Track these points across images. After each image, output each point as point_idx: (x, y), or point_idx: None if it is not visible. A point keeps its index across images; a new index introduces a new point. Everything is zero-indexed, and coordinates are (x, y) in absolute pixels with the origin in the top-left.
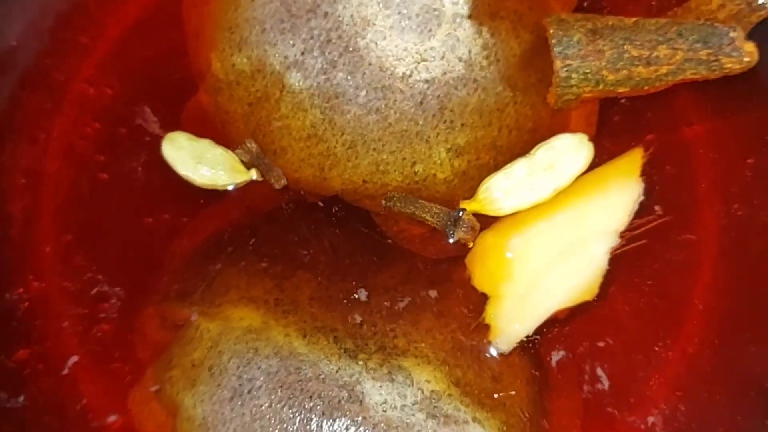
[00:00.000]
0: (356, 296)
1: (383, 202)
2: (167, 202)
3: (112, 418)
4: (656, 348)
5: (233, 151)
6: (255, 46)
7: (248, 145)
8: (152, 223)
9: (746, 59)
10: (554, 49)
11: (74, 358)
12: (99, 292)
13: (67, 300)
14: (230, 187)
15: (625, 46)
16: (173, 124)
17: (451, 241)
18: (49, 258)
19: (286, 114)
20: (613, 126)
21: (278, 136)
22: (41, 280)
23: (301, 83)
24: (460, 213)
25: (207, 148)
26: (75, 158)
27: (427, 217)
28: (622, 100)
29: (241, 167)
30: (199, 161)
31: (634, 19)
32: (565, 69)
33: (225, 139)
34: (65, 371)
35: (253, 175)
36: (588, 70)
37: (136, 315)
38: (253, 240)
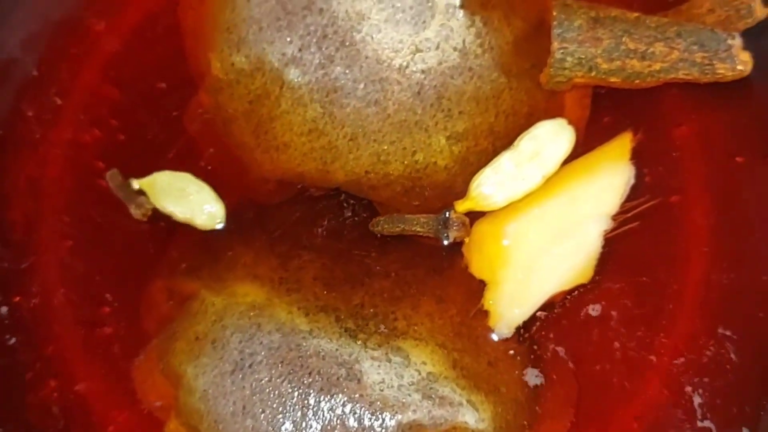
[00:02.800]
0: (359, 279)
1: (371, 227)
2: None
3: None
4: (651, 331)
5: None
6: (253, 44)
7: (111, 173)
8: (150, 230)
9: (740, 68)
10: (554, 30)
11: (76, 364)
12: (99, 297)
13: (67, 305)
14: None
15: (623, 38)
16: (173, 128)
17: (446, 243)
18: (50, 263)
19: (286, 110)
20: (601, 118)
21: (280, 132)
22: (42, 286)
23: (300, 79)
24: (447, 214)
25: (187, 181)
26: (75, 165)
27: (417, 229)
28: (604, 93)
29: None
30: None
31: (636, 14)
32: (561, 51)
33: (227, 138)
34: (67, 377)
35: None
36: (583, 56)
37: (136, 321)
38: (261, 220)
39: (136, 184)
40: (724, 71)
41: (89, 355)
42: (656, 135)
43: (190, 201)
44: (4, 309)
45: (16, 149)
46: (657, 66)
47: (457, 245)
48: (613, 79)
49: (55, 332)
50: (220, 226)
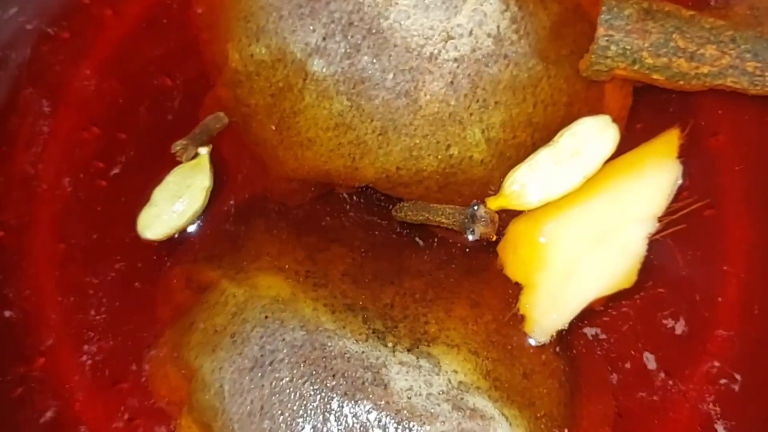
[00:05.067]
0: (389, 277)
1: (393, 213)
2: None
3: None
4: (696, 342)
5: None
6: (273, 34)
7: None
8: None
9: None
10: (601, 16)
11: (70, 371)
12: (96, 304)
13: (62, 312)
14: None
15: (674, 35)
16: (180, 126)
17: (471, 238)
18: (44, 268)
19: (311, 103)
20: (633, 120)
21: (305, 127)
22: (36, 290)
23: (324, 70)
24: (476, 207)
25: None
26: (72, 164)
27: (442, 220)
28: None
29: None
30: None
31: (691, 12)
32: (606, 38)
33: (247, 134)
34: (61, 385)
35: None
36: (628, 47)
37: (133, 329)
38: (288, 210)
39: (205, 149)
40: None
41: (84, 367)
42: (691, 143)
43: (164, 207)
44: None
45: (9, 147)
46: (705, 69)
47: (493, 245)
48: (656, 76)
49: (49, 342)
50: (142, 237)
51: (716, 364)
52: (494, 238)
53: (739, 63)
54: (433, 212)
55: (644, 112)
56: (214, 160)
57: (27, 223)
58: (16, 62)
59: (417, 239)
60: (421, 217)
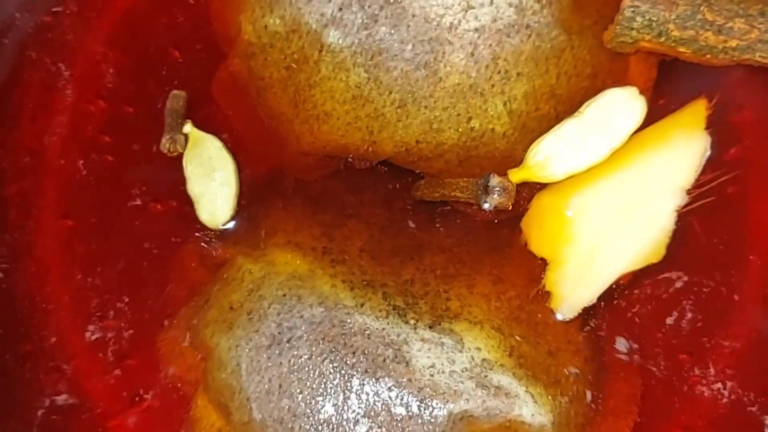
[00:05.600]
0: (409, 253)
1: (412, 193)
2: (176, 188)
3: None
4: (725, 317)
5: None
6: (288, 4)
7: (175, 93)
8: (160, 211)
9: None
10: None
11: (79, 349)
12: (105, 281)
13: (68, 292)
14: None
15: (702, 7)
16: (190, 99)
17: (486, 208)
18: (51, 244)
19: (327, 76)
20: (660, 89)
21: (321, 100)
22: (43, 267)
23: (341, 41)
24: (489, 178)
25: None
26: (78, 138)
27: (457, 194)
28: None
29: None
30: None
31: None
32: (632, 9)
33: (262, 108)
34: (66, 366)
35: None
36: (654, 18)
37: (145, 307)
38: (304, 185)
39: (188, 126)
40: None
41: (92, 347)
42: (716, 118)
43: (210, 188)
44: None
45: (14, 120)
46: (733, 43)
47: (515, 220)
48: (682, 49)
49: (56, 323)
50: (221, 228)
51: (738, 345)
52: (510, 207)
53: None
54: (449, 187)
55: (667, 86)
56: (228, 136)
57: (33, 197)
58: (21, 35)
59: (437, 216)
60: (437, 194)
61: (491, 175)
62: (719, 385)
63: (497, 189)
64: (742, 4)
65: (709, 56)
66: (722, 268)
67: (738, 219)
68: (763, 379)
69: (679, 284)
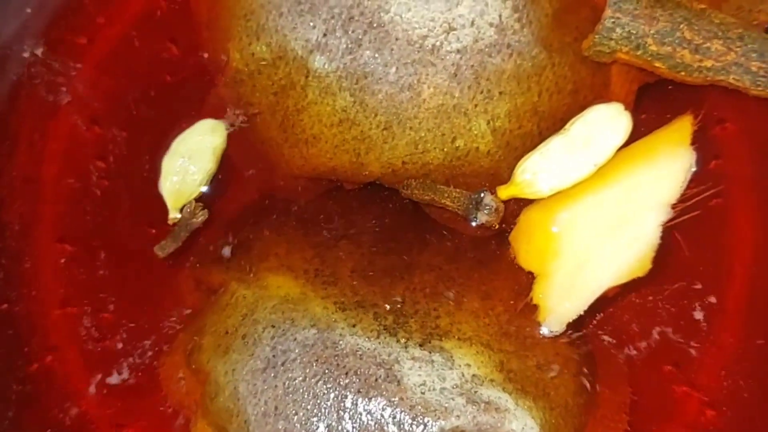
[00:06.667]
0: (399, 273)
1: (401, 189)
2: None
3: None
4: (709, 326)
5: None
6: (274, 31)
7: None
8: (155, 234)
9: None
10: None
11: (78, 371)
12: (101, 306)
13: (68, 313)
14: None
15: (682, 26)
16: (181, 124)
17: (473, 224)
18: (48, 268)
19: (314, 100)
20: (642, 104)
21: (309, 124)
22: (40, 291)
23: (326, 66)
24: (482, 195)
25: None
26: (74, 164)
27: (447, 203)
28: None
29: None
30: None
31: (703, 6)
32: (612, 20)
33: (251, 133)
34: (67, 387)
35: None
36: (634, 31)
37: (141, 330)
38: (295, 208)
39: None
40: None
41: (90, 368)
42: (697, 131)
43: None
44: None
45: (11, 146)
46: (709, 63)
47: (503, 236)
48: (658, 64)
49: (54, 344)
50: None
51: (726, 354)
52: (496, 227)
53: (744, 61)
54: (440, 193)
55: (647, 101)
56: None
57: (30, 222)
58: (17, 63)
59: (426, 234)
60: (426, 197)
61: (485, 192)
62: (705, 396)
63: (488, 207)
64: (723, 27)
65: (683, 74)
66: (707, 279)
67: (721, 230)
68: (749, 389)
69: (664, 296)
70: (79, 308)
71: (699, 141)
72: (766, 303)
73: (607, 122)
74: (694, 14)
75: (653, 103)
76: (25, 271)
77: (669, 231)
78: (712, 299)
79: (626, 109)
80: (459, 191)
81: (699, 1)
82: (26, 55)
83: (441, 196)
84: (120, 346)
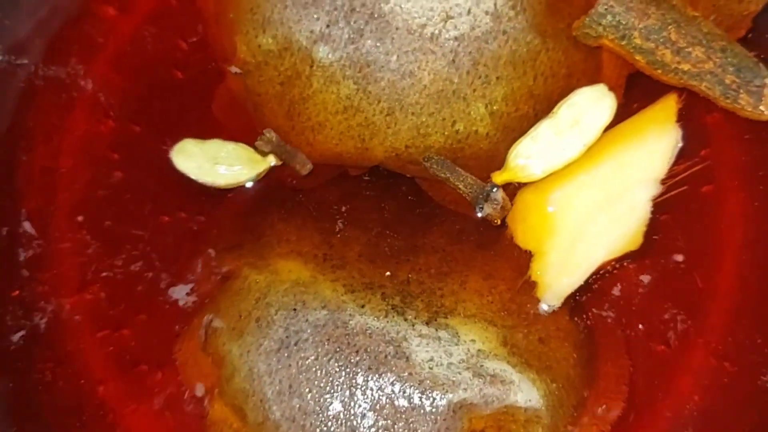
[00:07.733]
0: (404, 255)
1: (422, 159)
2: (184, 200)
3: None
4: (702, 299)
5: (254, 143)
6: (279, 24)
7: (267, 135)
8: (169, 222)
9: (762, 108)
10: None
11: (94, 365)
12: (119, 296)
13: (84, 301)
14: (250, 184)
15: (670, 27)
16: (193, 116)
17: (479, 215)
18: (67, 257)
19: (319, 89)
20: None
21: (314, 112)
22: (58, 283)
23: (330, 56)
24: (494, 189)
25: (218, 147)
26: (89, 156)
27: (461, 186)
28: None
29: (258, 156)
30: (215, 162)
31: (695, 14)
32: (605, 6)
33: (259, 123)
34: (86, 378)
35: (271, 161)
36: (624, 22)
37: (158, 319)
38: (303, 197)
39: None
40: (745, 104)
41: (108, 356)
42: (687, 121)
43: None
44: (20, 307)
45: (28, 140)
46: (686, 67)
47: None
48: (638, 57)
49: (73, 331)
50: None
51: (716, 326)
52: (498, 223)
53: (720, 72)
54: (456, 175)
55: (639, 91)
56: None
57: (49, 213)
58: (33, 60)
59: (429, 217)
60: (443, 174)
61: (498, 188)
62: (696, 375)
63: (496, 202)
64: (709, 36)
65: (660, 72)
66: (697, 257)
67: (711, 215)
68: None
69: (659, 272)
70: (96, 295)
71: (687, 122)
72: (756, 279)
73: (592, 103)
74: (685, 19)
75: (644, 92)
76: (46, 259)
77: (660, 209)
78: (704, 279)
79: (616, 90)
80: (474, 179)
81: (690, 4)
82: (41, 53)
83: (456, 178)
84: (138, 330)
